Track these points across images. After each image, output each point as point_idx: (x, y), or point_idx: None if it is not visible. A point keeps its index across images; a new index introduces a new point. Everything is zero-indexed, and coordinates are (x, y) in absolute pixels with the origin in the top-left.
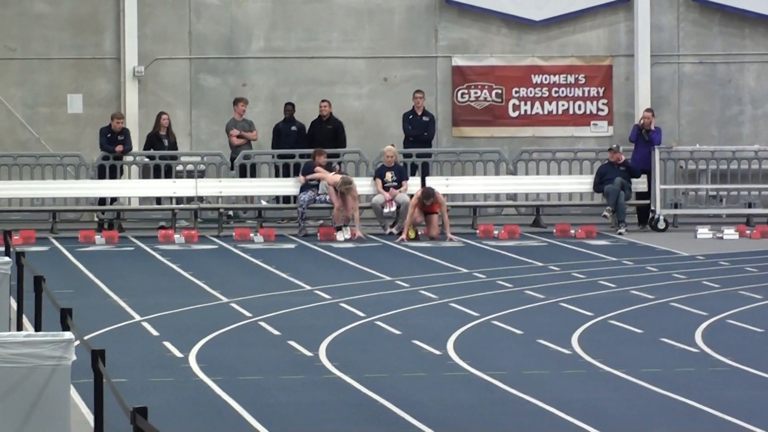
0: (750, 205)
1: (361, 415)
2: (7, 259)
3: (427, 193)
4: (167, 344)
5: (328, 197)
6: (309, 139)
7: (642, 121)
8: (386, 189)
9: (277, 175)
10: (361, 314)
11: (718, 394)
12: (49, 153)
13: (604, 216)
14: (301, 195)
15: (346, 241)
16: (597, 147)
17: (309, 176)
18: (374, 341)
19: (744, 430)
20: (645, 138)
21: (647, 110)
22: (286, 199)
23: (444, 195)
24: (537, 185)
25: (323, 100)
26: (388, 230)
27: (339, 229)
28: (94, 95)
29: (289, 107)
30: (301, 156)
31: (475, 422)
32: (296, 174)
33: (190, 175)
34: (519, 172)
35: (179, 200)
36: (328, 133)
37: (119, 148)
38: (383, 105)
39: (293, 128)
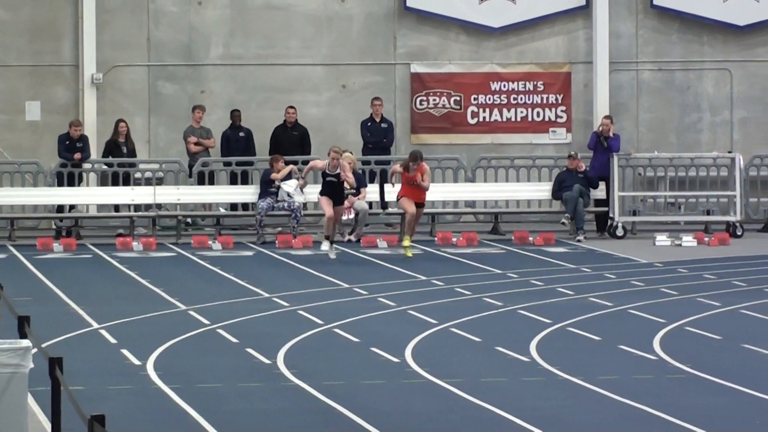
0: (708, 213)
1: (319, 422)
2: None
3: (415, 155)
4: (125, 352)
5: (287, 204)
6: (274, 146)
7: (600, 128)
8: (345, 196)
9: (234, 183)
10: (320, 322)
11: (676, 401)
12: (7, 160)
13: (563, 223)
14: (260, 202)
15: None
16: (555, 154)
17: (305, 171)
18: (332, 349)
19: None
20: (603, 145)
21: (606, 117)
22: (245, 206)
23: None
24: (495, 192)
25: (290, 107)
26: (347, 237)
27: (327, 238)
28: (52, 102)
29: (236, 113)
30: (250, 164)
31: (433, 430)
32: (248, 182)
33: (148, 182)
34: (477, 179)
35: (137, 207)
36: (294, 139)
37: (77, 155)
38: (342, 112)
39: (241, 134)
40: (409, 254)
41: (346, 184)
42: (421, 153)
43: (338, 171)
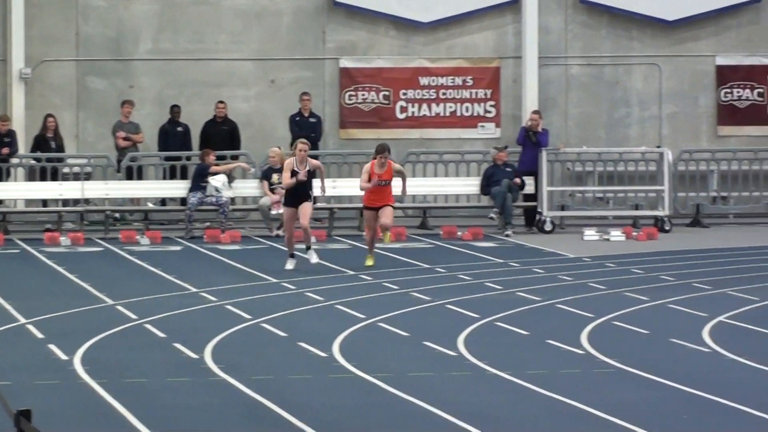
0: (636, 207)
1: (246, 417)
2: None
3: (382, 147)
4: (52, 347)
5: (215, 199)
6: (204, 140)
7: (529, 124)
8: (273, 191)
9: (164, 178)
10: (247, 316)
11: (604, 395)
12: None
13: (491, 218)
14: (190, 197)
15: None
16: (484, 149)
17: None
18: (260, 343)
19: (629, 430)
20: (532, 140)
21: (534, 112)
22: (174, 201)
23: (331, 197)
24: (424, 187)
25: (220, 102)
26: (275, 232)
27: (292, 256)
28: None
29: (176, 109)
30: (187, 158)
31: (361, 424)
32: (183, 177)
33: (76, 177)
34: (413, 174)
35: (65, 202)
36: (223, 134)
37: (5, 150)
38: (271, 107)
39: (179, 129)
40: (370, 263)
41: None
42: (388, 146)
43: (307, 167)
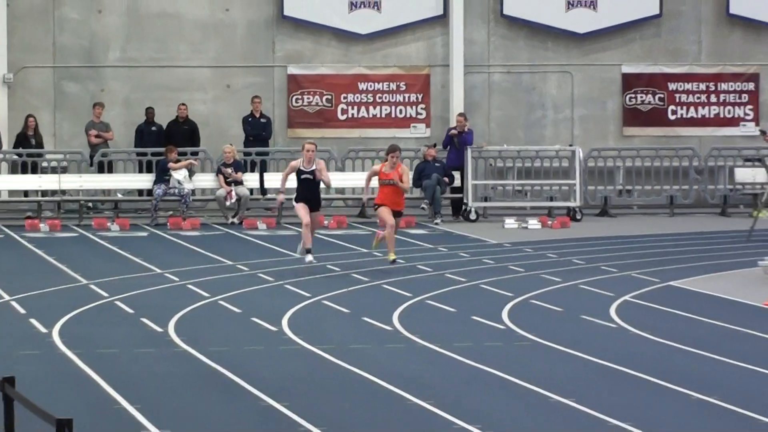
0: (551, 199)
1: (205, 383)
2: None
3: (393, 147)
4: (33, 321)
5: (177, 191)
6: (167, 138)
7: (456, 127)
8: (228, 184)
9: (139, 171)
10: (206, 294)
11: (523, 366)
12: None
13: (422, 208)
14: (155, 188)
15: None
16: (416, 147)
17: (284, 176)
18: (217, 318)
19: (545, 397)
20: (456, 146)
21: (460, 115)
22: (140, 192)
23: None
24: (362, 181)
25: (181, 104)
26: (230, 220)
27: (309, 251)
28: None
29: (150, 110)
30: (153, 154)
31: (307, 391)
32: (150, 170)
33: (54, 170)
34: (347, 169)
35: (44, 193)
36: (185, 132)
37: None
38: (226, 109)
39: (153, 128)
40: (393, 257)
41: (322, 184)
42: (399, 146)
43: (313, 167)
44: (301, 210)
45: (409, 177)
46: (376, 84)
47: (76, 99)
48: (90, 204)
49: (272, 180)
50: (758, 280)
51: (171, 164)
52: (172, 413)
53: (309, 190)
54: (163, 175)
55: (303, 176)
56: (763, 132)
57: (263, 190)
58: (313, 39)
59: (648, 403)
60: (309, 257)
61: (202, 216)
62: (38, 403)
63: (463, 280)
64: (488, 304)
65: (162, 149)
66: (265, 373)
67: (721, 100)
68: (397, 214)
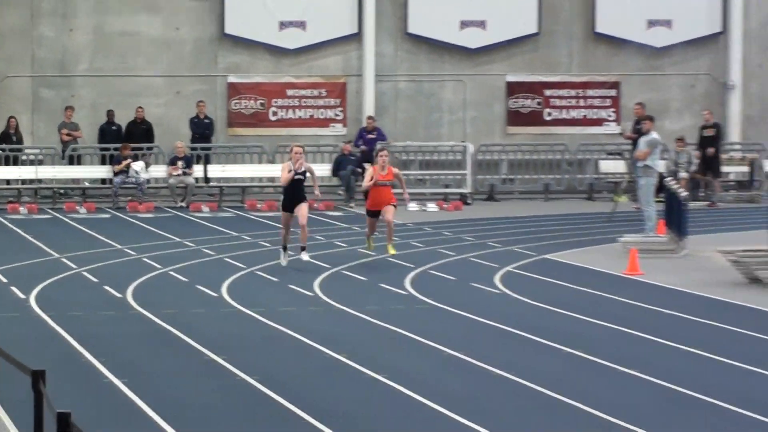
0: (447, 186)
1: (158, 340)
2: None
3: (381, 147)
4: (13, 288)
5: (135, 180)
6: (127, 136)
7: (367, 124)
8: (177, 174)
9: (102, 163)
10: (158, 266)
11: (422, 325)
12: None
13: (339, 194)
14: (115, 178)
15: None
16: (334, 143)
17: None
18: (168, 286)
19: (440, 351)
20: (368, 138)
21: (369, 117)
22: (104, 181)
23: (220, 179)
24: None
25: (139, 107)
26: (179, 203)
27: (285, 248)
28: None
29: (111, 112)
30: (115, 149)
31: (243, 347)
32: (111, 162)
33: (32, 163)
34: (276, 162)
35: (23, 182)
36: (142, 131)
37: None
38: (176, 111)
39: (113, 128)
40: (392, 251)
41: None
42: (386, 148)
43: (303, 169)
44: (285, 222)
45: (401, 177)
46: (302, 90)
47: (50, 103)
48: (62, 191)
49: (214, 171)
50: (618, 253)
51: (123, 161)
52: (130, 365)
53: (297, 189)
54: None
55: (296, 176)
56: (622, 131)
57: (207, 179)
58: (249, 53)
59: (526, 356)
60: (285, 260)
61: (156, 201)
62: (17, 357)
63: (372, 254)
64: (393, 274)
65: (115, 145)
66: (207, 331)
67: (588, 104)
68: (387, 205)
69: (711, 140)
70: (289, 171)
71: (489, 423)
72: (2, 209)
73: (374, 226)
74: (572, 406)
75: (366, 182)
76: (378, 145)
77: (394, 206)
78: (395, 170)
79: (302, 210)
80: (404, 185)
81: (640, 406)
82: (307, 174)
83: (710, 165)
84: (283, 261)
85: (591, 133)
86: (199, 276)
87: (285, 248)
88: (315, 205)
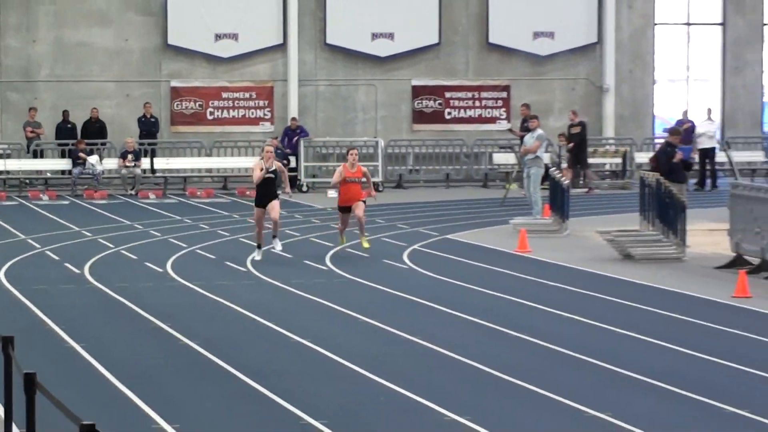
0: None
1: (111, 310)
2: None
3: (352, 146)
4: None
5: (91, 171)
6: (83, 133)
7: (291, 124)
8: (127, 166)
9: (62, 157)
10: (111, 246)
11: (340, 296)
12: None
13: None
14: (74, 169)
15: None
16: (263, 138)
17: (256, 179)
18: (119, 263)
19: (356, 318)
20: (293, 134)
21: (293, 119)
22: (63, 172)
23: (164, 170)
24: (225, 163)
25: (94, 108)
26: (129, 191)
27: (259, 246)
28: None
29: (66, 112)
30: (73, 145)
31: (185, 315)
32: (70, 156)
33: (0, 156)
34: (214, 155)
35: None
36: (96, 129)
37: None
38: (126, 112)
39: (68, 126)
40: (366, 245)
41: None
42: (354, 147)
43: (274, 167)
44: (259, 220)
45: (369, 178)
46: (235, 93)
47: (16, 105)
48: (27, 180)
49: (159, 163)
50: (509, 233)
51: (81, 154)
52: (88, 332)
53: (269, 186)
54: (76, 160)
55: (266, 175)
56: (510, 129)
57: (153, 171)
58: (189, 61)
59: (429, 323)
60: (258, 255)
61: (109, 189)
62: None
63: (297, 234)
64: (314, 252)
65: (72, 141)
66: (154, 302)
67: (482, 105)
68: (356, 201)
69: (577, 136)
70: (261, 170)
71: (394, 379)
72: None
73: (346, 221)
74: (466, 364)
75: (335, 179)
76: (302, 141)
77: (364, 202)
78: (364, 168)
79: (274, 207)
80: (371, 182)
81: (524, 363)
82: (278, 171)
83: (578, 158)
84: (258, 256)
85: (485, 130)
86: (146, 254)
87: (260, 246)
88: (288, 197)
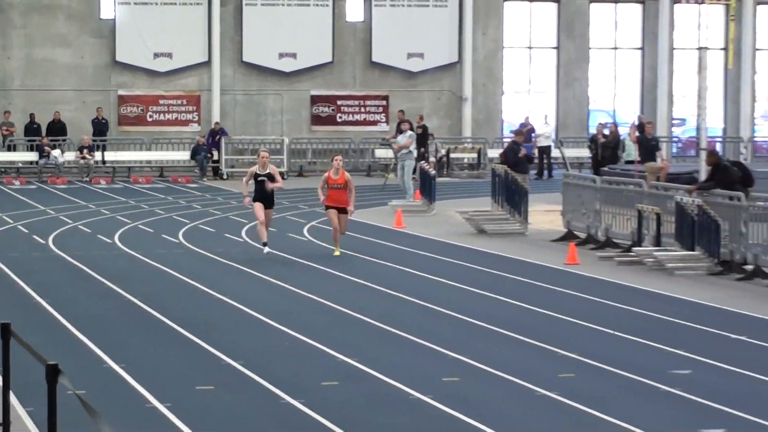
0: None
1: (71, 274)
2: None
3: (336, 154)
4: None
5: (54, 162)
6: (48, 131)
7: (214, 126)
8: (83, 158)
9: (30, 150)
10: (70, 221)
11: (250, 260)
12: None
13: (196, 172)
14: (40, 160)
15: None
16: (192, 137)
17: (246, 179)
18: (77, 235)
19: (261, 277)
20: (216, 134)
21: (216, 123)
22: (31, 162)
23: (113, 161)
24: (162, 156)
25: (56, 112)
26: (84, 179)
27: (265, 244)
28: None
29: (32, 115)
30: (39, 141)
31: (132, 278)
32: (37, 149)
33: None
34: (153, 149)
35: None
36: (59, 129)
37: None
38: (82, 115)
39: (35, 126)
40: (337, 253)
41: (274, 186)
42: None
43: (267, 171)
44: (258, 211)
45: (353, 185)
46: (170, 101)
47: None
48: (2, 169)
49: (109, 156)
50: (388, 213)
51: (46, 148)
52: (52, 290)
53: (264, 190)
54: (42, 152)
55: (259, 178)
56: (384, 138)
57: (104, 162)
58: (132, 74)
59: (324, 284)
60: (266, 249)
61: (68, 177)
62: None
63: (218, 213)
64: (233, 228)
65: (41, 137)
66: (105, 267)
67: (367, 111)
68: (342, 211)
69: (422, 135)
70: (256, 178)
71: (297, 329)
72: None
73: (336, 218)
74: (354, 317)
75: (320, 185)
76: (224, 140)
77: (347, 214)
78: (347, 175)
79: (269, 216)
80: (353, 191)
81: (399, 314)
82: (272, 174)
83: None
84: (266, 249)
85: (369, 131)
86: (98, 228)
87: (265, 244)
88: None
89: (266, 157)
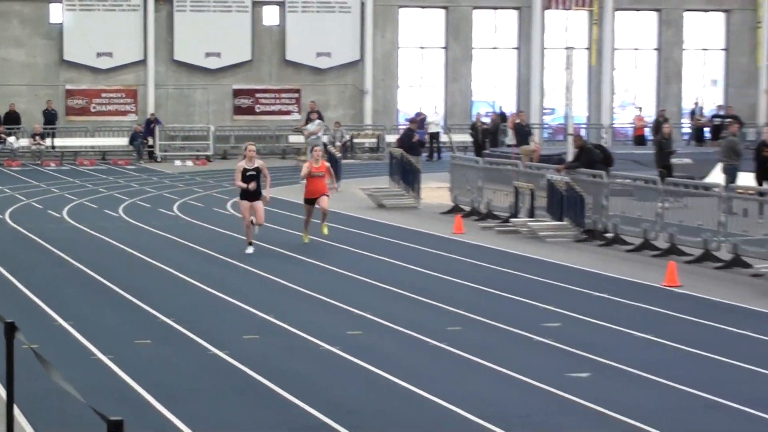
0: (198, 150)
1: (25, 244)
2: None
3: (318, 145)
4: None
5: (10, 147)
6: (5, 121)
7: (150, 116)
8: (36, 144)
9: None
10: (24, 199)
11: (182, 233)
12: None
13: (133, 156)
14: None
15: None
16: (130, 126)
17: (237, 176)
18: (30, 210)
19: (193, 248)
20: (151, 123)
21: (152, 114)
22: None
23: (62, 146)
24: (104, 142)
25: (12, 103)
26: (37, 162)
27: (250, 244)
28: None
29: (12, 106)
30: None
31: (76, 247)
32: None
33: None
34: (96, 136)
35: None
36: (13, 118)
37: None
38: (35, 106)
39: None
40: (306, 240)
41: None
42: (323, 143)
43: (255, 165)
44: (245, 211)
45: (332, 173)
46: (111, 94)
47: None
48: None
49: (58, 142)
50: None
51: (8, 138)
52: (8, 258)
53: (251, 181)
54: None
55: (248, 173)
56: (297, 128)
57: (53, 147)
58: (78, 71)
59: (253, 256)
60: (250, 249)
61: (23, 160)
62: None
63: (153, 191)
64: (166, 203)
65: None
66: (55, 238)
67: (282, 102)
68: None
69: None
70: (244, 173)
71: (141, 296)
72: None
73: (311, 212)
74: (285, 284)
75: (303, 172)
76: (157, 128)
77: (328, 196)
78: (327, 164)
79: (259, 212)
80: (333, 177)
81: (309, 278)
82: (260, 169)
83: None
84: (250, 249)
85: (283, 119)
86: (49, 205)
87: (250, 243)
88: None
89: (253, 151)
